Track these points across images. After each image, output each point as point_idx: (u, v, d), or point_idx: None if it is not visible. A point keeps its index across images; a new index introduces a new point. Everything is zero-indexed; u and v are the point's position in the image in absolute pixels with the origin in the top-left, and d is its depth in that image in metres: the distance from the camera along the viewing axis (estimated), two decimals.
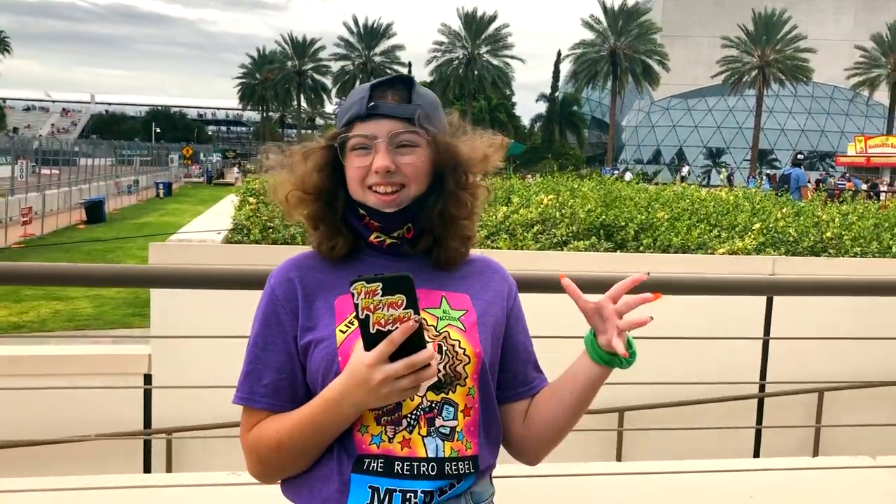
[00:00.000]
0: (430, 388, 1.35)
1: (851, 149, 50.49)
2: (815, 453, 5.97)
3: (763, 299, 5.99)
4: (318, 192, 1.44)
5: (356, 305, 1.21)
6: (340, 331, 1.36)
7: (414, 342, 1.22)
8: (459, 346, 1.37)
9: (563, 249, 6.55)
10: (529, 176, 25.10)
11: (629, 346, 1.35)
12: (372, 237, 1.44)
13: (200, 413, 5.02)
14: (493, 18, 62.58)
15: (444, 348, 1.36)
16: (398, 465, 1.32)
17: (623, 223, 7.22)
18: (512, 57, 63.47)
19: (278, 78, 68.56)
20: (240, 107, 79.50)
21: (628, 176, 38.04)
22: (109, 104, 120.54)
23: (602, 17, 60.44)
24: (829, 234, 7.60)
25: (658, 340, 4.88)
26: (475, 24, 62.30)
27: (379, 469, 1.32)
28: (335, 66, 67.88)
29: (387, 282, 1.21)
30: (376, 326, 1.21)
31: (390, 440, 1.32)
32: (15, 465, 4.84)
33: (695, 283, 3.20)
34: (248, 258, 5.40)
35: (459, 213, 1.44)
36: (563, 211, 7.33)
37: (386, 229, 1.42)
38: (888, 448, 4.65)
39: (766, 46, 56.70)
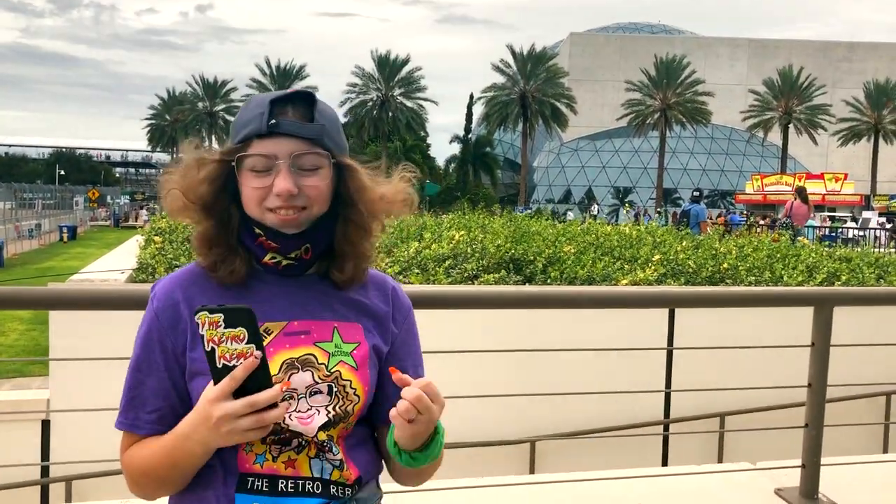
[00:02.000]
0: (320, 428, 1.31)
1: (749, 187, 53.00)
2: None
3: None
4: (202, 203, 1.35)
5: (201, 337, 1.17)
6: None
7: (258, 380, 1.18)
8: (351, 387, 1.34)
9: (473, 283, 6.67)
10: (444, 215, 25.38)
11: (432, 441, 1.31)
12: (267, 258, 1.36)
13: (103, 452, 4.85)
14: (405, 61, 63.41)
15: (335, 389, 1.33)
16: (282, 483, 1.30)
17: (532, 257, 7.41)
18: (425, 99, 64.30)
19: (189, 119, 67.44)
20: (149, 148, 77.66)
21: (570, 215, 38.59)
22: (10, 146, 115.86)
23: (512, 62, 62.03)
24: (725, 265, 7.98)
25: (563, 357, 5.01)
26: (388, 67, 62.96)
27: (264, 488, 1.29)
28: None
29: (228, 314, 1.16)
30: (222, 360, 1.17)
31: (274, 459, 1.30)
32: None
33: (600, 297, 3.32)
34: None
35: (360, 236, 1.40)
36: (474, 246, 7.47)
37: (283, 250, 1.35)
38: None
39: (667, 90, 59.25)
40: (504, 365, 5.47)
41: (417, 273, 6.47)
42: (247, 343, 1.17)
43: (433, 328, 5.18)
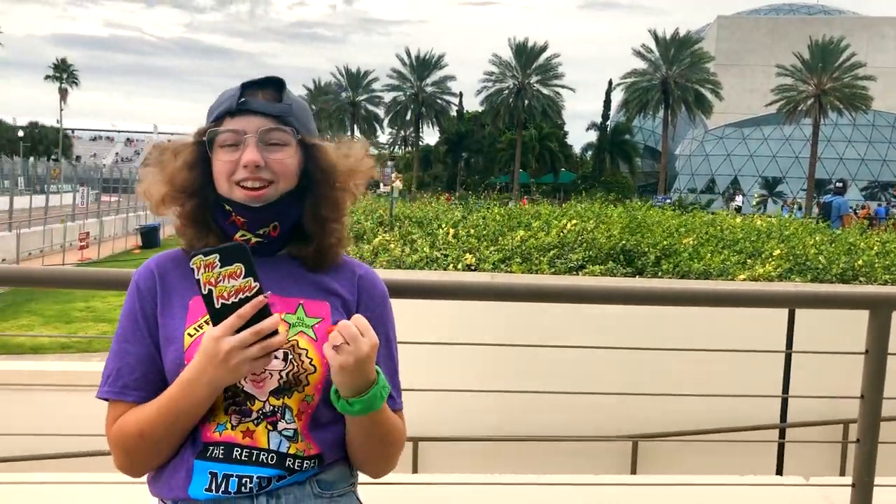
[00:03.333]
0: (271, 393, 1.35)
1: None
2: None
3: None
4: (188, 189, 1.43)
5: (197, 281, 1.23)
6: (188, 334, 1.36)
7: (259, 311, 1.25)
8: (307, 356, 1.37)
9: (578, 274, 6.54)
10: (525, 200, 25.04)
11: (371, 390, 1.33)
12: (237, 235, 1.42)
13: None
14: (543, 48, 62.82)
15: (290, 356, 1.36)
16: (237, 451, 1.34)
17: (645, 249, 7.19)
18: (562, 86, 63.52)
19: (333, 108, 69.82)
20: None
21: (743, 204, 36.04)
22: (172, 134, 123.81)
23: (654, 47, 60.16)
24: (860, 262, 7.43)
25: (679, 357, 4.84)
26: (526, 55, 62.59)
27: (220, 455, 1.34)
28: (388, 97, 68.91)
29: (223, 252, 1.24)
30: (220, 300, 1.24)
31: (233, 428, 1.34)
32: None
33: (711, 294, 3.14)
34: None
35: (330, 215, 1.45)
36: (584, 236, 7.33)
37: (251, 226, 1.41)
38: None
39: (822, 75, 55.59)
40: (605, 361, 5.34)
41: (520, 262, 6.42)
42: (244, 278, 1.23)
43: (536, 320, 5.15)
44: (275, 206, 1.41)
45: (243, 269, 1.24)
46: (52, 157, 76.57)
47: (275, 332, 1.26)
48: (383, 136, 74.73)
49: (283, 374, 1.36)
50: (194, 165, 1.43)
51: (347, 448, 1.44)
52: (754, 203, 52.20)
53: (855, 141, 65.80)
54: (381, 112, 70.64)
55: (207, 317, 1.29)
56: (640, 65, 61.05)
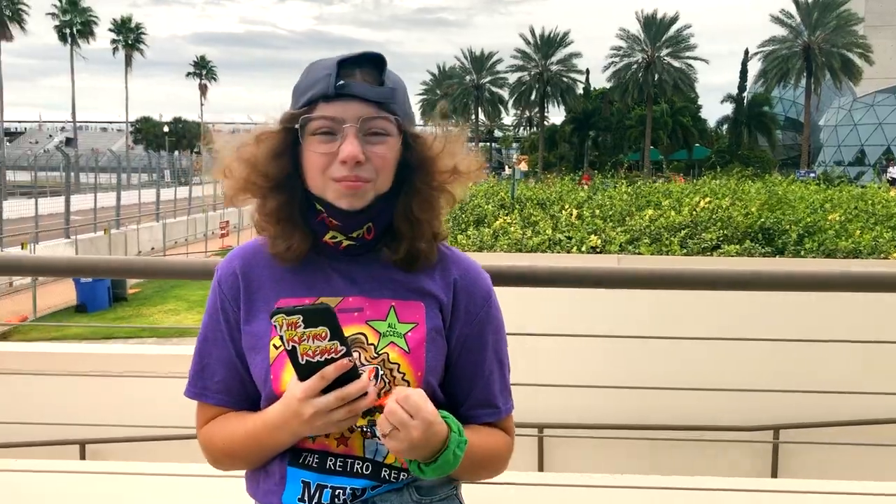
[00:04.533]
0: (363, 414, 1.25)
1: None
2: None
3: None
4: (274, 181, 1.28)
5: (281, 337, 1.16)
6: (274, 345, 1.27)
7: (346, 372, 1.17)
8: (398, 371, 1.26)
9: (712, 255, 6.17)
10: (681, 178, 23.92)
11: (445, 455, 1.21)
12: (327, 237, 1.29)
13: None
14: (673, 20, 60.42)
15: (381, 372, 1.26)
16: (331, 460, 1.27)
17: (786, 227, 6.71)
18: (694, 58, 60.90)
19: (457, 92, 70.03)
20: (422, 122, 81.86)
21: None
22: None
23: (794, 11, 56.66)
24: None
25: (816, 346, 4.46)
26: (655, 27, 60.43)
27: (313, 464, 1.27)
28: (512, 78, 68.34)
29: (307, 314, 1.15)
30: (305, 357, 1.16)
31: (327, 435, 1.27)
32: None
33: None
34: None
35: (423, 216, 1.30)
36: (718, 214, 6.91)
37: (345, 229, 1.28)
38: None
39: None
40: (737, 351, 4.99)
41: (648, 243, 6.11)
42: (329, 340, 1.16)
43: (662, 307, 4.87)
44: (371, 208, 1.27)
45: (328, 333, 1.15)
46: (195, 150, 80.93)
47: (364, 395, 1.18)
48: (507, 118, 74.43)
49: (376, 393, 1.25)
50: (281, 153, 1.28)
51: None
52: None
53: None
54: (505, 94, 70.27)
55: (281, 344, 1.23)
56: (780, 31, 57.73)
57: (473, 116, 71.56)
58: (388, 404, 1.18)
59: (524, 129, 71.62)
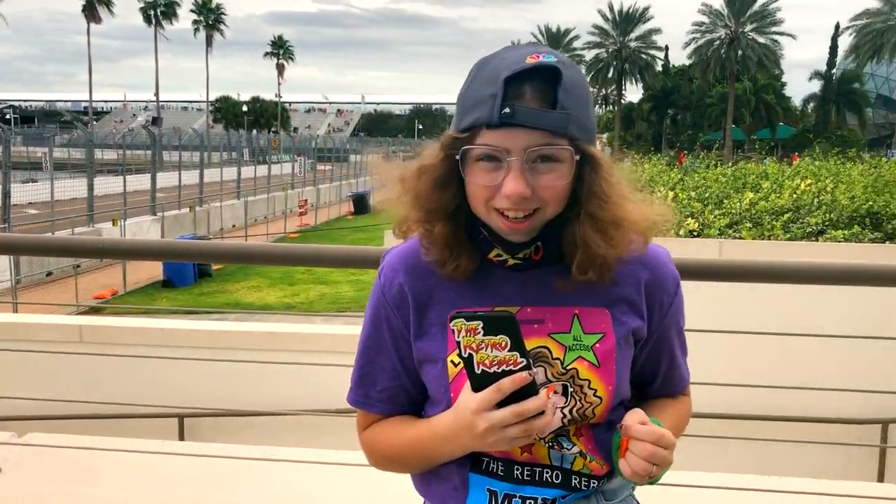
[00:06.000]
0: (553, 431, 1.20)
1: None
2: None
3: None
4: (440, 213, 1.19)
5: (458, 343, 1.09)
6: (452, 361, 1.19)
7: (524, 387, 1.09)
8: (589, 387, 1.18)
9: (817, 240, 5.90)
10: (796, 157, 23.05)
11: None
12: (492, 254, 1.21)
13: None
14: None
15: (571, 390, 1.18)
16: (518, 469, 1.20)
17: (895, 211, 6.36)
18: (781, 33, 58.72)
19: None
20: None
21: None
22: (378, 104, 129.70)
23: None
24: None
25: None
26: (739, 1, 58.47)
27: (499, 472, 1.20)
28: (588, 55, 67.23)
29: (487, 321, 1.07)
30: (481, 367, 1.08)
31: None
32: (269, 432, 5.31)
33: None
34: None
35: (600, 244, 1.17)
36: (822, 197, 6.60)
37: (510, 250, 1.19)
38: None
39: None
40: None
41: (750, 228, 5.88)
42: (509, 351, 1.07)
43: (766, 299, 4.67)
44: (539, 234, 1.18)
45: (509, 343, 1.07)
46: (272, 129, 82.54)
47: (541, 413, 1.09)
48: None
49: (567, 411, 1.18)
50: (447, 185, 1.18)
51: None
52: None
53: None
54: (582, 70, 69.21)
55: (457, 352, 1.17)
56: (874, 4, 55.06)
57: None
58: (641, 450, 1.13)
59: (601, 108, 70.40)
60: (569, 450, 1.20)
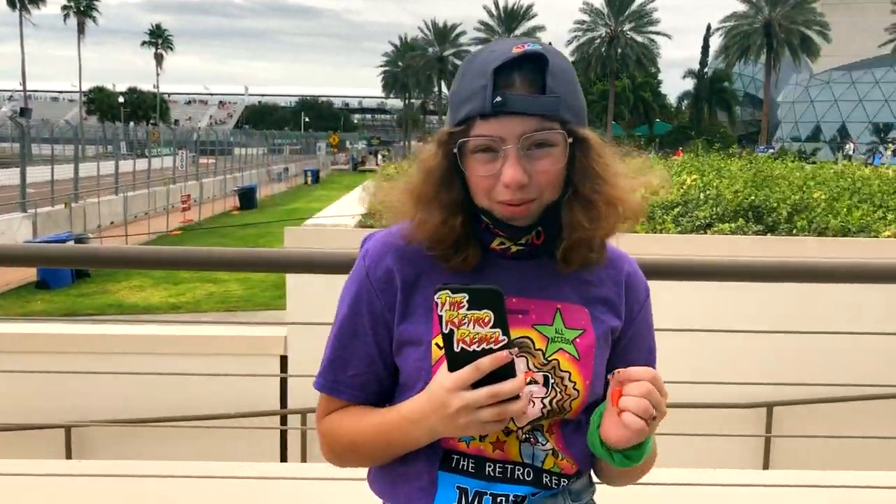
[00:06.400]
0: (531, 422, 1.18)
1: None
2: None
3: None
4: (452, 208, 1.18)
5: (440, 318, 1.06)
6: (437, 345, 1.17)
7: (501, 368, 1.06)
8: (570, 380, 1.18)
9: (706, 233, 6.15)
10: (679, 152, 24.06)
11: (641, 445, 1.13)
12: (495, 243, 1.21)
13: None
14: None
15: (552, 381, 1.17)
16: (490, 466, 1.18)
17: (774, 204, 6.72)
18: (657, 33, 61.25)
19: (420, 65, 69.50)
20: (383, 95, 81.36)
21: (853, 152, 33.99)
22: (262, 95, 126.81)
23: None
24: None
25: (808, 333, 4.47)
26: (618, 1, 60.55)
27: (470, 469, 1.18)
28: (475, 51, 67.99)
29: (473, 294, 1.05)
30: (461, 344, 1.06)
31: (482, 438, 1.18)
32: (157, 442, 5.07)
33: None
34: None
35: (593, 224, 1.18)
36: (708, 192, 6.89)
37: (512, 237, 1.20)
38: None
39: None
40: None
41: (642, 221, 6.07)
42: (491, 327, 1.05)
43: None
44: (539, 218, 1.18)
45: (492, 318, 1.05)
46: (151, 121, 79.25)
47: (516, 398, 1.07)
48: None
49: (547, 401, 1.17)
50: (451, 180, 1.18)
51: (597, 471, 1.29)
52: (864, 152, 49.33)
53: None
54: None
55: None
56: (741, 7, 58.23)
57: (436, 89, 71.17)
58: (637, 388, 1.07)
59: None
60: (543, 445, 1.19)
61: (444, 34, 70.16)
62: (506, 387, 1.05)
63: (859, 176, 8.74)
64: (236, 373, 5.32)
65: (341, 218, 6.87)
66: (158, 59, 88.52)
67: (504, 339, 1.05)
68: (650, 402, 1.07)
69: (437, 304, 1.06)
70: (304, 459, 5.22)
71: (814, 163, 10.96)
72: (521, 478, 1.18)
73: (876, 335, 4.56)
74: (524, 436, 1.18)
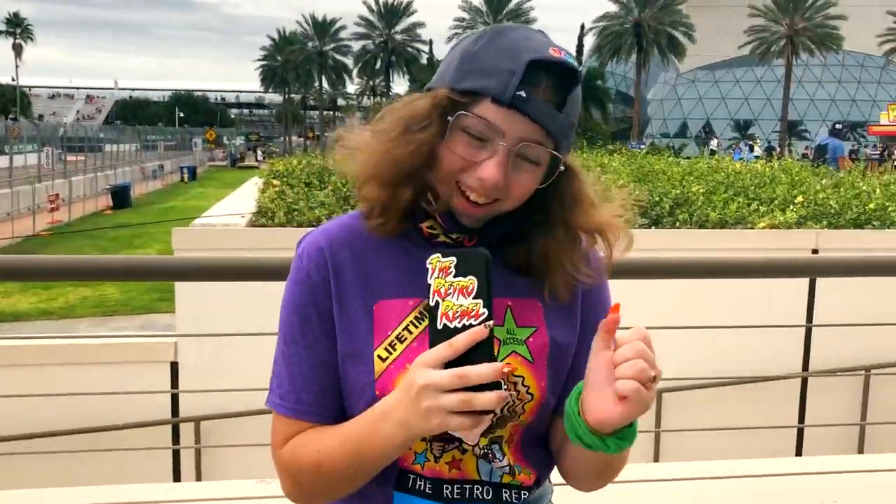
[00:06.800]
0: (483, 433, 1.07)
1: (884, 118, 49.24)
2: (861, 442, 5.73)
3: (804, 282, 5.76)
4: (412, 177, 1.09)
5: (428, 287, 0.99)
6: (379, 356, 1.09)
7: (479, 352, 0.96)
8: (523, 384, 1.11)
9: None
10: None
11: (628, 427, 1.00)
12: (425, 224, 1.14)
13: (230, 399, 4.88)
14: None
15: (505, 387, 1.05)
16: (447, 487, 1.11)
17: (657, 198, 6.99)
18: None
19: (299, 59, 68.31)
20: (262, 89, 79.51)
21: (757, 151, 36.21)
22: (133, 90, 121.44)
23: None
24: (872, 206, 7.30)
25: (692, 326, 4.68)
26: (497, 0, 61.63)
27: (427, 490, 1.10)
28: (356, 46, 67.55)
29: (461, 259, 0.98)
30: (443, 320, 0.97)
31: (437, 459, 1.10)
32: (44, 457, 4.75)
33: (727, 265, 2.94)
34: (272, 242, 5.25)
35: (564, 256, 1.14)
36: (595, 188, 7.10)
37: (446, 231, 1.13)
38: None
39: (794, 15, 55.43)
40: None
41: None
42: (474, 297, 0.96)
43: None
44: (486, 225, 1.13)
45: (476, 286, 0.97)
46: (11, 116, 74.34)
47: (494, 386, 0.95)
48: (352, 87, 73.57)
49: (498, 409, 1.07)
50: (428, 146, 1.07)
51: (563, 463, 1.19)
52: (725, 147, 52.30)
53: (825, 81, 66.02)
54: (349, 62, 69.38)
55: (398, 333, 1.06)
56: (613, 8, 60.42)
57: (317, 84, 70.19)
58: (630, 349, 0.94)
59: (368, 99, 71.05)
60: (500, 461, 1.13)
61: (324, 29, 69.22)
62: (474, 370, 0.93)
63: (732, 170, 9.23)
64: (124, 385, 5.06)
65: (231, 217, 6.65)
66: (17, 49, 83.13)
67: (485, 313, 0.96)
68: (646, 361, 0.94)
69: (427, 270, 1.00)
70: (198, 475, 5.02)
71: (687, 157, 11.49)
72: (481, 497, 1.12)
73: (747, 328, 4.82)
74: (480, 451, 1.12)
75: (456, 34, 62.21)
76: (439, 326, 0.98)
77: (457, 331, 0.96)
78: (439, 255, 0.99)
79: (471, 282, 0.97)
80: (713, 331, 4.84)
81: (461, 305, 0.97)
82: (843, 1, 59.12)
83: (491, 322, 0.96)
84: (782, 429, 5.58)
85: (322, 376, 1.13)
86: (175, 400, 5.31)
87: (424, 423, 0.97)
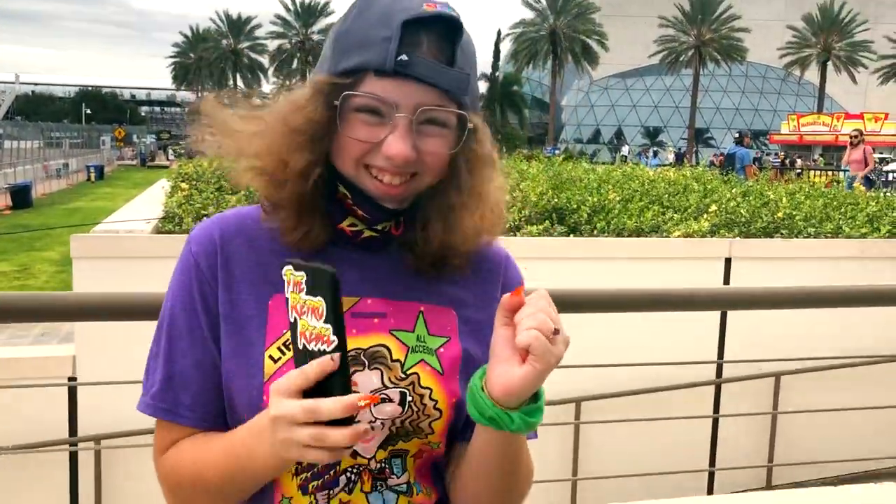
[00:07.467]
0: (380, 446, 1.00)
1: (785, 127, 51.61)
2: (773, 433, 5.88)
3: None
4: (302, 170, 0.99)
5: (287, 300, 0.88)
6: (270, 356, 0.98)
7: (336, 382, 0.85)
8: (430, 398, 1.01)
9: (516, 235, 6.29)
10: None
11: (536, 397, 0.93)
12: (345, 223, 1.03)
13: (131, 416, 4.60)
14: None
15: (410, 399, 1.00)
16: None
17: (575, 206, 7.01)
18: None
19: (213, 57, 66.76)
20: (174, 87, 77.33)
21: (661, 157, 37.00)
22: (37, 84, 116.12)
23: None
24: (780, 215, 7.52)
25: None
26: None
27: None
28: (272, 45, 66.40)
29: (310, 274, 0.86)
30: (302, 339, 0.87)
31: (329, 499, 1.00)
32: None
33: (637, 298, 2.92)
34: (180, 250, 4.99)
35: (471, 217, 1.04)
36: (514, 194, 7.06)
37: (371, 221, 1.02)
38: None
39: (702, 26, 57.50)
40: None
41: None
42: (324, 322, 0.85)
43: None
44: (409, 204, 1.03)
45: (324, 310, 0.85)
46: None
47: (350, 421, 0.85)
48: (268, 86, 72.29)
49: (399, 421, 1.00)
50: (320, 137, 0.98)
51: (455, 484, 1.08)
52: (637, 153, 53.78)
53: (730, 91, 68.76)
54: (265, 61, 68.15)
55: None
56: (529, 15, 61.34)
57: (231, 83, 68.70)
58: (536, 301, 0.87)
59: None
60: (397, 476, 1.03)
61: (238, 26, 67.82)
62: (325, 405, 0.83)
63: (646, 178, 9.38)
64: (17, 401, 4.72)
65: (135, 223, 6.32)
66: None
67: (335, 341, 0.85)
68: (547, 316, 0.87)
69: (283, 281, 0.89)
70: (98, 497, 4.71)
71: (603, 163, 11.65)
72: None
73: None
74: (377, 466, 1.01)
75: None
76: (300, 346, 0.87)
77: (315, 354, 0.86)
78: (292, 266, 0.88)
79: (319, 303, 0.86)
80: (631, 347, 4.86)
81: (314, 328, 0.86)
82: (746, 14, 61.74)
83: (338, 355, 0.85)
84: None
85: (203, 377, 1.02)
86: (73, 418, 4.99)
87: (281, 450, 0.87)
